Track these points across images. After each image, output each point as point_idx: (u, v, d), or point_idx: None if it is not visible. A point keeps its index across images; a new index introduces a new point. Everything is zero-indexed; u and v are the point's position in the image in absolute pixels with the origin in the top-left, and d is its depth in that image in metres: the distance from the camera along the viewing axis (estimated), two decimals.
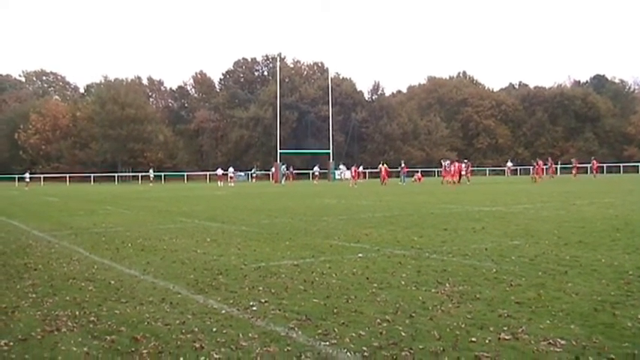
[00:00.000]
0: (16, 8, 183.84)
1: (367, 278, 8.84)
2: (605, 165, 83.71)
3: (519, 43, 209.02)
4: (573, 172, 69.84)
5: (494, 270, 9.25)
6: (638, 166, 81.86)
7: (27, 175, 73.17)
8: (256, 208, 25.44)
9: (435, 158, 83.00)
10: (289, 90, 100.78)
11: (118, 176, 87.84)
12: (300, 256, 11.20)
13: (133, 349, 5.64)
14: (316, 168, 74.61)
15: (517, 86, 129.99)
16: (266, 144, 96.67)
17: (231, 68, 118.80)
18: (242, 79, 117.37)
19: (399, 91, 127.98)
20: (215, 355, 5.39)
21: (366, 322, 6.41)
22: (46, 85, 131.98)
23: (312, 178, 73.76)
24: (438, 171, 72.36)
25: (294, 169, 77.26)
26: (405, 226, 16.38)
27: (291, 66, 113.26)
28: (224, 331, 6.17)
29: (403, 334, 5.96)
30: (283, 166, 75.61)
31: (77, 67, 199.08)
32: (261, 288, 8.32)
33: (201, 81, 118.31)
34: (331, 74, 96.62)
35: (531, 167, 65.94)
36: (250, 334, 6.03)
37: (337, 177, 71.47)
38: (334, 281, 8.70)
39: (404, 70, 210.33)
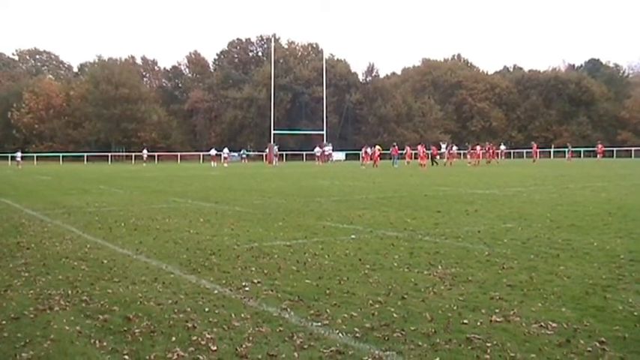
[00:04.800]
0: None
1: (360, 259, 8.86)
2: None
3: (514, 26, 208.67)
4: (568, 156, 70.20)
5: (487, 252, 9.29)
6: (631, 150, 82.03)
7: (18, 154, 72.74)
8: (250, 188, 25.44)
9: (429, 140, 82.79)
10: (283, 71, 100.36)
11: (111, 156, 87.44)
12: (292, 237, 11.22)
13: (125, 329, 5.65)
14: (317, 149, 74.41)
15: (511, 69, 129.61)
16: (260, 125, 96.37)
17: (226, 49, 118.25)
18: (236, 60, 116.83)
19: (394, 73, 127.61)
20: (207, 335, 5.40)
21: (358, 304, 6.43)
22: (39, 64, 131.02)
23: (316, 159, 73.30)
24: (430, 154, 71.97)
25: (279, 150, 77.17)
26: (398, 207, 16.41)
27: (286, 47, 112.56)
28: (216, 311, 6.18)
29: (395, 315, 5.98)
30: (276, 147, 75.41)
31: (71, 46, 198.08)
32: (253, 268, 8.33)
33: (196, 61, 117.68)
34: (326, 55, 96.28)
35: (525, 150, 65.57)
36: (243, 315, 6.04)
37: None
38: (327, 262, 8.71)
39: (398, 52, 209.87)
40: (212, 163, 68.78)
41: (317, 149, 74.59)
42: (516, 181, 28.14)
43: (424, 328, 5.57)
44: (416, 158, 58.47)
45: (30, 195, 22.58)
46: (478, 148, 60.48)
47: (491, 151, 62.14)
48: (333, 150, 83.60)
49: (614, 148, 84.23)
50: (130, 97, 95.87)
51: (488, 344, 5.10)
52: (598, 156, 69.21)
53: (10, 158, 76.10)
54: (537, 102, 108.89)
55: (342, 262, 8.75)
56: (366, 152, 60.44)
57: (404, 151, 62.86)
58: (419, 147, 56.09)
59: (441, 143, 62.46)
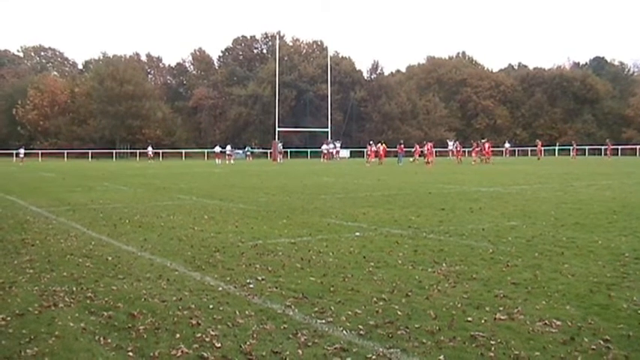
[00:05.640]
0: None
1: (364, 257, 8.86)
2: (602, 147, 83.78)
3: (519, 24, 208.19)
4: (573, 154, 70.04)
5: (491, 250, 9.28)
6: (636, 148, 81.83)
7: (21, 150, 72.75)
8: (254, 185, 25.45)
9: (434, 138, 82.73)
10: (288, 68, 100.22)
11: (115, 153, 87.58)
12: (297, 234, 11.23)
13: (129, 325, 5.66)
14: (324, 146, 74.32)
15: (516, 67, 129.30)
16: (264, 122, 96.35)
17: (230, 46, 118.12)
18: (241, 57, 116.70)
19: (398, 71, 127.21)
20: (211, 332, 5.42)
21: (362, 301, 6.43)
22: (44, 61, 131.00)
23: (322, 156, 73.10)
24: (437, 151, 71.83)
25: (283, 147, 77.20)
26: (403, 205, 16.40)
27: (291, 44, 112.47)
28: (221, 308, 6.19)
29: (399, 313, 5.98)
30: (280, 144, 75.39)
31: (76, 43, 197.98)
32: (258, 265, 8.34)
33: (200, 58, 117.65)
34: (330, 53, 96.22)
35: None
36: (247, 312, 6.05)
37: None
38: (331, 260, 8.72)
39: (403, 50, 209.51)
40: (216, 160, 68.80)
41: (324, 146, 74.51)
42: (521, 179, 28.10)
43: (428, 325, 5.57)
44: (421, 156, 58.25)
45: (35, 192, 22.62)
46: (487, 145, 60.18)
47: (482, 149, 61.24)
48: (341, 147, 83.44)
49: (619, 146, 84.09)
50: (134, 94, 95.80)
51: (493, 342, 5.11)
52: (607, 153, 68.35)
53: (15, 155, 76.25)
54: (542, 100, 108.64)
55: (346, 259, 8.76)
56: (371, 150, 60.32)
57: (413, 149, 62.64)
58: (428, 145, 56.07)
59: (448, 141, 62.21)
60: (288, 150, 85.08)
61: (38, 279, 7.65)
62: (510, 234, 10.96)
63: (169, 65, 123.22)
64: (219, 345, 5.11)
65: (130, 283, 7.41)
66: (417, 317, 5.84)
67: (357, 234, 11.23)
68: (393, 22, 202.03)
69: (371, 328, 5.54)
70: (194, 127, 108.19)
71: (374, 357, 4.83)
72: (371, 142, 63.16)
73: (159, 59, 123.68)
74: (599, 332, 5.35)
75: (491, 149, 59.78)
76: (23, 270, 8.18)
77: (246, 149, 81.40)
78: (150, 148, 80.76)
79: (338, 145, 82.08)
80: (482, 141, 62.35)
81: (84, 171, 43.19)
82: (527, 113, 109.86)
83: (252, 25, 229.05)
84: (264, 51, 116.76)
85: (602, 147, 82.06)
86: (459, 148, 61.43)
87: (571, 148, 72.07)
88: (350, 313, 5.99)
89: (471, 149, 60.14)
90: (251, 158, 78.48)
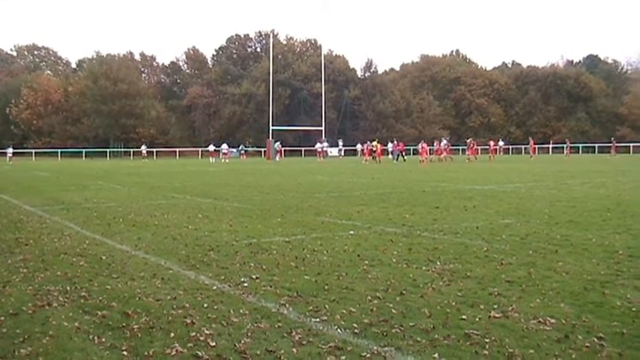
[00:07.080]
0: None
1: (358, 255, 8.86)
2: (596, 145, 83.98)
3: (513, 22, 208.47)
4: (567, 152, 70.16)
5: (485, 248, 9.29)
6: (629, 146, 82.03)
7: (9, 150, 72.08)
8: (248, 184, 25.42)
9: (428, 136, 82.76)
10: (282, 67, 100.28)
11: (109, 152, 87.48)
12: (291, 233, 11.22)
13: (124, 325, 5.65)
14: (318, 145, 74.25)
15: (510, 65, 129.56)
16: (258, 120, 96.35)
17: (224, 44, 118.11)
18: (235, 56, 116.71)
19: (392, 69, 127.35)
20: (206, 331, 5.41)
21: (356, 299, 6.43)
22: (37, 60, 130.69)
23: (317, 154, 73.01)
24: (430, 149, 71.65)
25: (282, 146, 77.09)
26: (397, 203, 16.40)
27: (284, 43, 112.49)
28: (215, 307, 6.19)
29: (394, 311, 5.98)
30: (277, 143, 75.33)
31: (69, 42, 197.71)
32: (252, 264, 8.33)
33: (194, 57, 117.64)
34: (324, 51, 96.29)
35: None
36: (241, 310, 6.05)
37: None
38: (325, 258, 8.72)
39: (397, 48, 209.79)
40: (211, 158, 68.75)
41: (318, 144, 74.40)
42: (515, 177, 28.15)
43: (423, 323, 5.57)
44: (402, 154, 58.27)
45: (28, 191, 22.57)
46: (492, 143, 60.03)
47: (474, 147, 60.98)
48: (343, 145, 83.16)
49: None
50: (128, 92, 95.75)
51: (487, 340, 5.11)
52: (612, 151, 68.21)
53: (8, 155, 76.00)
54: (536, 98, 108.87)
55: (340, 257, 8.75)
56: (367, 148, 60.33)
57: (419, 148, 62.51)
58: (435, 143, 55.92)
59: (443, 139, 62.17)
60: (282, 149, 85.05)
61: (32, 278, 7.63)
62: (504, 232, 10.97)
63: (163, 64, 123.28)
64: (213, 344, 5.11)
65: (124, 282, 7.40)
66: (412, 315, 5.84)
67: (352, 232, 11.23)
68: (387, 21, 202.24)
69: (365, 326, 5.54)
70: (188, 126, 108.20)
71: (368, 355, 4.83)
72: (367, 142, 63.10)
73: (152, 58, 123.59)
74: (593, 330, 5.36)
75: (481, 147, 59.71)
76: (17, 269, 8.16)
77: (240, 148, 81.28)
78: (144, 147, 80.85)
79: (340, 143, 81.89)
80: (469, 140, 62.50)
81: (78, 170, 43.10)
82: (521, 111, 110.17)
83: (246, 24, 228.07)
84: (258, 49, 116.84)
85: (597, 144, 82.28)
86: (437, 147, 60.14)
87: (565, 146, 72.23)
88: (344, 311, 5.99)
89: (463, 147, 60.18)
90: (245, 157, 78.39)
